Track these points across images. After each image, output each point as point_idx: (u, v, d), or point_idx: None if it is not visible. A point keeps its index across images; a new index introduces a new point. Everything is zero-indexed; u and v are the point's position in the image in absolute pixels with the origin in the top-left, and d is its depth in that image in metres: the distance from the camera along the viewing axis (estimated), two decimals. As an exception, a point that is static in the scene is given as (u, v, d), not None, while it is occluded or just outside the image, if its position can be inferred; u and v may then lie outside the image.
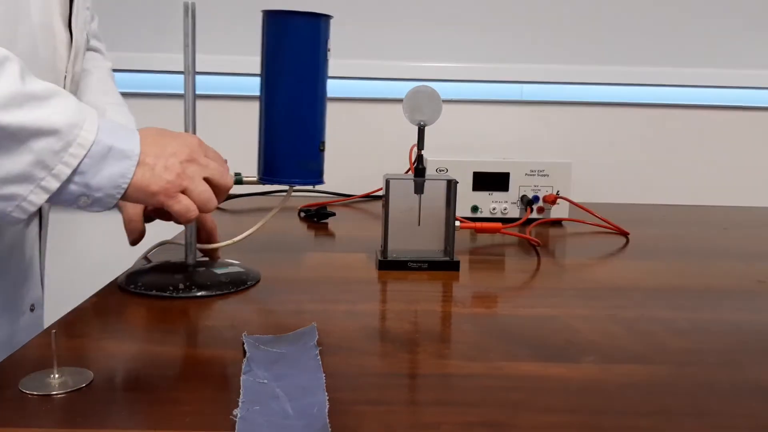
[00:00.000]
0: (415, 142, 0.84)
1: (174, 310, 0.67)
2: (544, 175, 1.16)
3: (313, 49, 0.76)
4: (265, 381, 0.49)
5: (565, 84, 1.43)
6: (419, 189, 0.85)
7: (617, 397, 0.49)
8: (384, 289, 0.77)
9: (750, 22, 1.42)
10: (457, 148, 1.38)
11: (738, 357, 0.58)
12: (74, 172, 0.58)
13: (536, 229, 1.12)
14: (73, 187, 0.59)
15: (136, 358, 0.55)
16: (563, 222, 1.17)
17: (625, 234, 1.09)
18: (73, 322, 0.63)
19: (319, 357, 0.54)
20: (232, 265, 0.80)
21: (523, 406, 0.48)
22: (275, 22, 0.76)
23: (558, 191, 1.16)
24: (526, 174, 1.16)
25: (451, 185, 0.85)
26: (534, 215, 1.16)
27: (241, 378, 0.49)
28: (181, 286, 0.72)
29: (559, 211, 1.17)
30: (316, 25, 0.75)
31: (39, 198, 0.57)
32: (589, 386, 0.51)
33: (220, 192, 0.67)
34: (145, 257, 0.86)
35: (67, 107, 0.59)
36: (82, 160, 0.58)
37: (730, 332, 0.64)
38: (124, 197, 0.61)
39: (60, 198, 0.59)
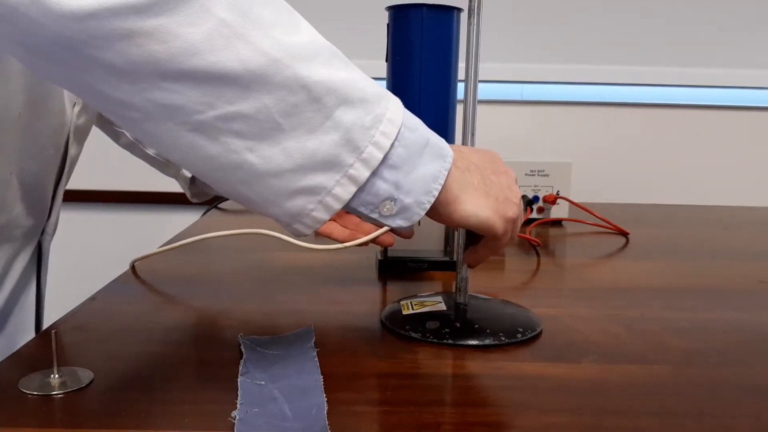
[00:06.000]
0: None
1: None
2: (544, 175, 1.16)
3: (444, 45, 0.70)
4: (263, 382, 0.49)
5: (565, 84, 1.43)
6: (419, 189, 0.85)
7: (617, 397, 0.49)
8: (384, 289, 0.77)
9: (750, 22, 1.42)
10: (457, 148, 1.38)
11: (738, 357, 0.58)
12: (384, 161, 0.45)
13: (536, 229, 1.12)
14: (381, 184, 0.46)
15: (137, 358, 0.55)
16: (563, 222, 1.17)
17: (625, 234, 1.09)
18: (73, 321, 0.63)
19: (317, 359, 0.54)
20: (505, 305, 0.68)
21: (523, 406, 0.47)
22: (401, 17, 0.70)
23: (558, 191, 1.16)
24: (526, 174, 1.16)
25: (451, 185, 0.84)
26: (534, 215, 1.16)
27: (239, 379, 0.49)
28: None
29: (559, 211, 1.17)
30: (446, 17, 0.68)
31: (345, 191, 0.45)
32: (589, 386, 0.51)
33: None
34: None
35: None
36: (393, 143, 0.45)
37: (730, 332, 0.64)
38: (429, 212, 0.49)
39: (362, 198, 0.46)
